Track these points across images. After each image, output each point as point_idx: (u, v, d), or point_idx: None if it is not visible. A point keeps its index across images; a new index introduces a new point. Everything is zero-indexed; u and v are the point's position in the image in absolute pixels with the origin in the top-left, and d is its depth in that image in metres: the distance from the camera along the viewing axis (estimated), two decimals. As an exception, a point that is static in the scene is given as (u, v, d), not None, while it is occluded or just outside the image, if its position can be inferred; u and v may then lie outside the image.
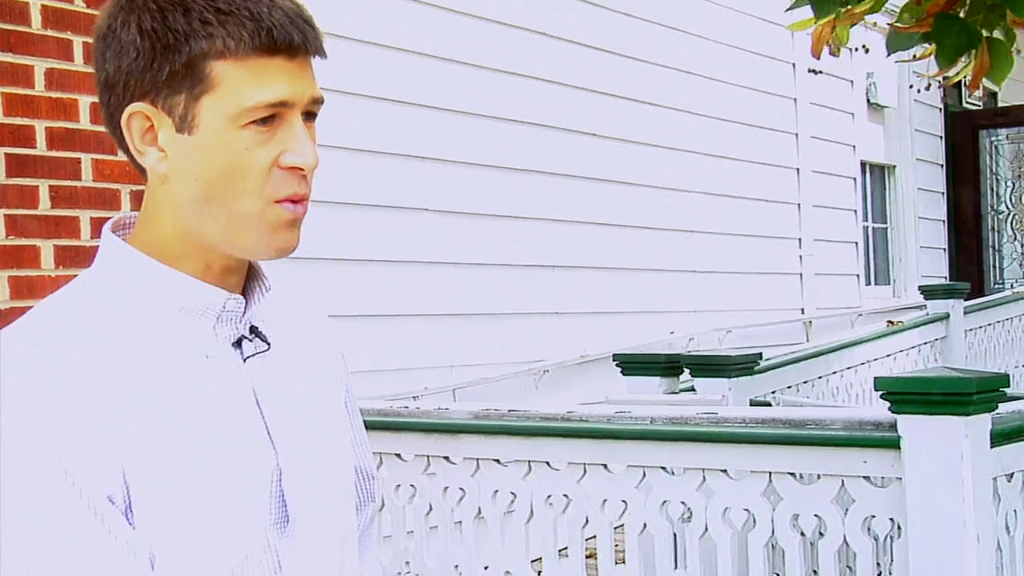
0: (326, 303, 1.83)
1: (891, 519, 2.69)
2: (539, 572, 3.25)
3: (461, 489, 3.31)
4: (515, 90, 5.85)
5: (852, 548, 2.74)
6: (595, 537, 3.15)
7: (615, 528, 3.11)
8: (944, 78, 3.79)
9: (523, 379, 5.87)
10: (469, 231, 5.60)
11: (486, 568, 3.30)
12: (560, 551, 3.20)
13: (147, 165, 1.19)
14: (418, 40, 5.29)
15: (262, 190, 1.16)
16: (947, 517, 2.57)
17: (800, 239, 8.18)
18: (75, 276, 3.47)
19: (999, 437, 2.66)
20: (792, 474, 2.82)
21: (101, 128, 3.59)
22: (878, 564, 2.74)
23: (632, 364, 4.41)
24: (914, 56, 4.02)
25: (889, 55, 3.71)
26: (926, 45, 3.60)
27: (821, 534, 2.80)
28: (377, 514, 1.56)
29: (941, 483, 2.56)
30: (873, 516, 2.71)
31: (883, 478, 2.69)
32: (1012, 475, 2.82)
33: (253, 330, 1.24)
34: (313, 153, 1.18)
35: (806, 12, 3.78)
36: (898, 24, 3.57)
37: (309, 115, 1.20)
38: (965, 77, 3.80)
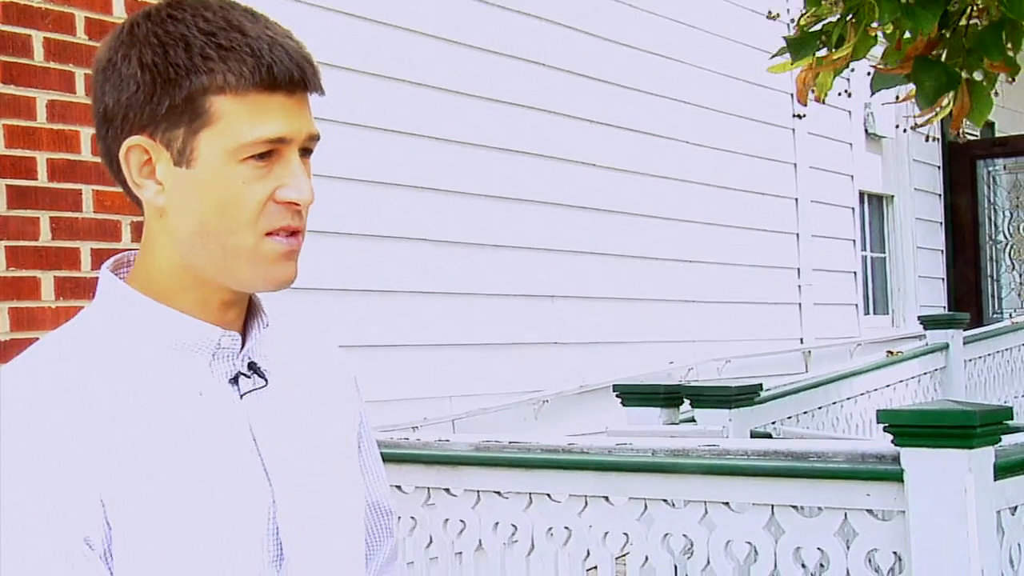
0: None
1: (894, 552, 2.68)
2: (540, 605, 3.23)
3: (462, 521, 3.29)
4: (513, 120, 5.87)
5: (855, 582, 2.73)
6: (596, 569, 3.13)
7: (616, 560, 3.09)
8: (925, 120, 3.82)
9: (522, 409, 5.86)
10: (468, 261, 5.60)
11: (487, 601, 3.29)
12: (561, 584, 3.19)
13: (144, 198, 1.19)
14: (417, 70, 5.30)
15: (256, 223, 1.17)
16: (951, 551, 2.55)
17: (799, 269, 8.19)
18: (75, 307, 3.46)
19: (1002, 470, 2.65)
20: (794, 507, 2.81)
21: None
22: (881, 598, 2.73)
23: (632, 395, 4.40)
24: (897, 97, 4.06)
25: (872, 95, 3.74)
26: (909, 86, 3.62)
27: (823, 566, 2.79)
28: (398, 550, 1.54)
29: (945, 517, 2.55)
30: (876, 549, 2.70)
31: (886, 511, 2.68)
32: (1016, 508, 2.80)
33: (251, 366, 1.24)
34: (309, 189, 1.19)
35: (787, 56, 3.81)
36: (880, 66, 3.59)
37: (305, 151, 1.20)
38: (945, 118, 3.83)
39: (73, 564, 1.09)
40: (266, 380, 1.24)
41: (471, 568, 3.30)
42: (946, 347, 6.70)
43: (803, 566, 2.80)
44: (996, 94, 3.89)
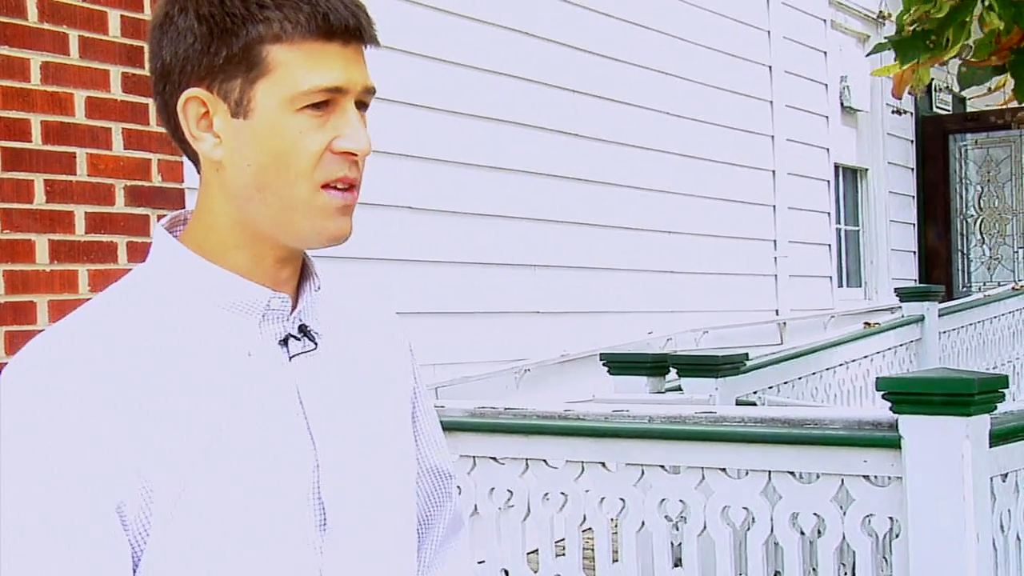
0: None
1: (890, 518, 2.73)
2: (536, 571, 3.26)
3: (457, 487, 3.30)
4: (494, 88, 5.86)
5: (851, 546, 2.77)
6: (592, 533, 3.17)
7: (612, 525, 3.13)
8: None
9: (504, 378, 5.88)
10: (450, 229, 5.61)
11: (481, 563, 3.31)
12: (557, 549, 3.22)
13: (202, 151, 1.18)
14: (401, 38, 5.29)
15: (313, 174, 1.16)
16: (948, 516, 2.60)
17: (775, 241, 8.24)
18: (69, 270, 3.42)
19: (997, 437, 2.71)
20: (791, 473, 2.86)
21: (96, 123, 3.58)
22: (885, 560, 2.78)
23: (619, 364, 4.44)
24: (988, 88, 4.09)
25: (962, 89, 3.77)
26: (997, 78, 3.66)
27: (820, 532, 2.83)
28: (463, 518, 1.52)
29: (942, 483, 2.60)
30: (872, 515, 2.75)
31: (882, 477, 2.73)
32: (1007, 475, 2.86)
33: (302, 329, 1.23)
34: (367, 139, 1.18)
35: (887, 58, 3.84)
36: (971, 59, 3.61)
37: (361, 104, 1.20)
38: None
39: (96, 534, 1.09)
40: (316, 343, 1.23)
41: (466, 533, 3.31)
42: (922, 319, 6.78)
43: (800, 532, 2.84)
44: None
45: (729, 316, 7.63)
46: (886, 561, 2.82)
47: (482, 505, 3.28)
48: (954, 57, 3.57)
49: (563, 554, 3.21)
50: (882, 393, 2.68)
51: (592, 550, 3.19)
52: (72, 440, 1.09)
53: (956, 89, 3.99)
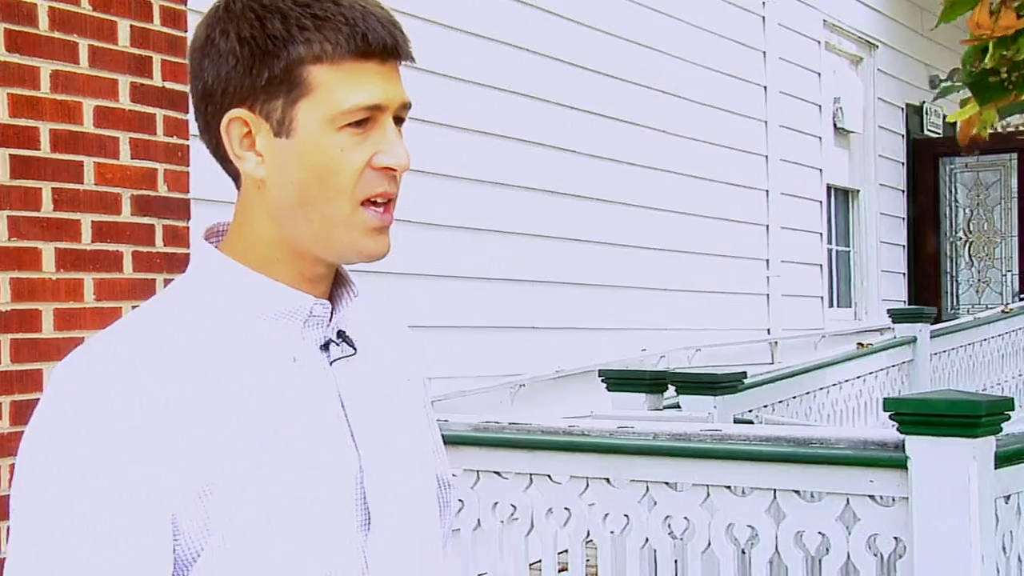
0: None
1: (895, 538, 2.75)
2: (538, 585, 3.27)
3: (460, 500, 3.32)
4: (490, 104, 5.88)
5: (856, 566, 2.79)
6: (595, 549, 3.18)
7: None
8: None
9: (499, 393, 5.89)
10: (446, 244, 5.62)
11: (483, 578, 3.32)
12: (560, 569, 3.23)
13: (245, 170, 1.21)
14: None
15: (354, 191, 1.19)
16: (953, 537, 2.62)
17: (768, 260, 8.28)
18: (75, 279, 3.42)
19: (1001, 459, 2.73)
20: (797, 492, 2.87)
21: (104, 132, 3.59)
22: (881, 582, 2.80)
23: (618, 380, 4.45)
24: None
25: (1002, 119, 3.81)
26: None
27: (825, 551, 2.85)
28: (451, 529, 1.57)
29: (948, 503, 2.62)
30: (877, 534, 2.77)
31: (888, 498, 2.75)
32: (1009, 497, 2.88)
33: (340, 334, 1.26)
34: (405, 154, 1.23)
35: (954, 98, 3.86)
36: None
37: (397, 119, 1.24)
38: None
39: (144, 542, 1.10)
40: (355, 348, 1.27)
41: (469, 546, 3.33)
42: (914, 340, 6.81)
43: (805, 550, 2.86)
44: None
45: (722, 334, 7.66)
46: (891, 581, 2.84)
47: (485, 519, 3.29)
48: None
49: (566, 569, 3.22)
50: (889, 414, 2.70)
51: (595, 566, 3.20)
52: (128, 448, 1.10)
53: (998, 120, 4.02)
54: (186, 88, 3.86)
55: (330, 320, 1.26)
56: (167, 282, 3.77)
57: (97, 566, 1.09)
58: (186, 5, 3.84)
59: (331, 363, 1.24)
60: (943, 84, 4.02)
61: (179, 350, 1.16)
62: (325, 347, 1.25)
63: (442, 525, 1.47)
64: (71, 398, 1.12)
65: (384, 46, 1.19)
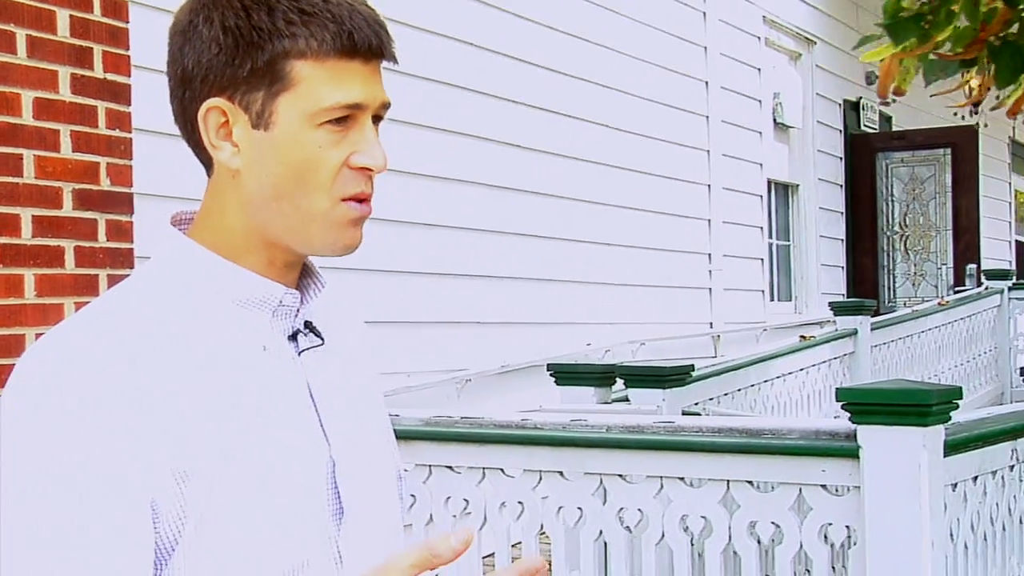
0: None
1: (847, 526, 2.77)
2: (491, 579, 3.25)
3: (412, 495, 3.30)
4: (430, 97, 5.86)
5: (809, 555, 2.81)
6: (550, 543, 3.17)
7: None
8: (975, 106, 3.87)
9: (446, 388, 5.87)
10: (390, 239, 5.58)
11: (436, 575, 3.29)
12: (514, 558, 3.22)
13: (220, 159, 1.19)
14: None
15: (331, 188, 1.18)
16: (905, 524, 2.65)
17: (710, 254, 8.33)
18: (15, 275, 3.33)
19: (950, 447, 2.76)
20: (750, 482, 2.88)
21: (44, 124, 3.52)
22: (833, 569, 2.82)
23: (567, 374, 4.45)
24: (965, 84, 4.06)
25: (927, 84, 3.78)
26: (966, 71, 3.68)
27: (777, 541, 2.86)
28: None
29: (900, 492, 2.65)
30: (830, 524, 2.79)
31: (841, 487, 2.77)
32: (956, 485, 2.92)
33: (307, 325, 1.25)
34: (383, 156, 1.20)
35: (871, 45, 3.81)
36: (939, 52, 3.63)
37: (376, 118, 1.22)
38: (1005, 103, 3.88)
39: (129, 530, 1.08)
40: (322, 339, 1.26)
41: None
42: (855, 333, 6.89)
43: (758, 540, 2.87)
44: None
45: (665, 328, 7.70)
46: (845, 569, 2.86)
47: (438, 514, 3.27)
48: (944, 42, 3.57)
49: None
50: (841, 403, 2.72)
51: (550, 558, 3.19)
52: (109, 433, 1.08)
53: (923, 85, 3.98)
54: (129, 80, 3.79)
55: (298, 310, 1.24)
56: (111, 277, 3.71)
57: (86, 559, 1.06)
58: (127, -5, 3.78)
59: (299, 353, 1.23)
60: (864, 36, 3.99)
61: (152, 338, 1.14)
62: (293, 337, 1.23)
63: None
64: (45, 390, 1.09)
65: (369, 46, 1.18)
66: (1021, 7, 3.43)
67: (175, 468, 1.09)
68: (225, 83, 1.16)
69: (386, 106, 1.22)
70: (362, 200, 1.20)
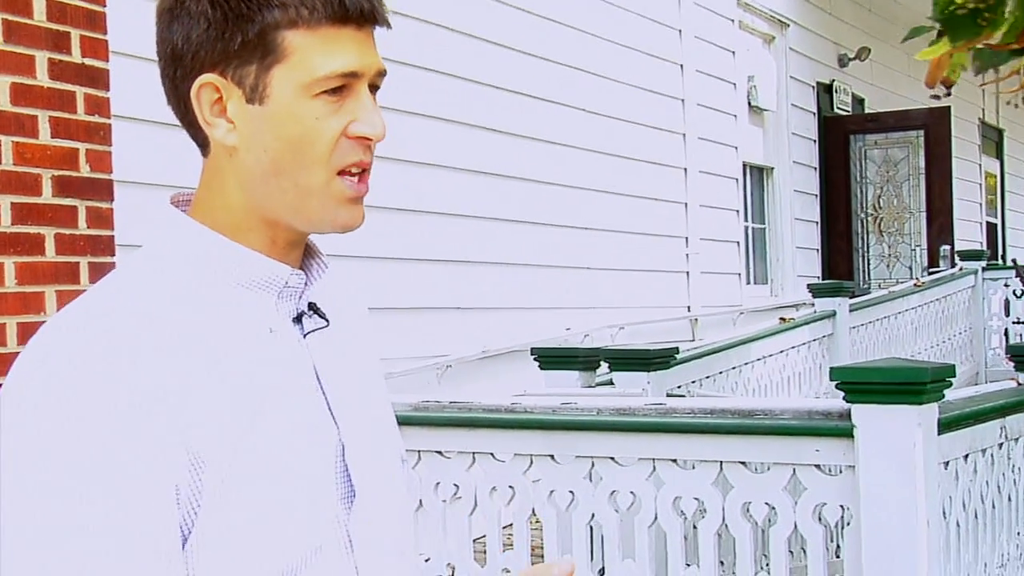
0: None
1: (841, 506, 2.76)
2: (483, 566, 3.23)
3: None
4: (409, 82, 5.82)
5: (803, 535, 2.80)
6: (541, 527, 3.16)
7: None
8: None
9: (426, 374, 5.84)
10: (371, 224, 5.52)
11: (427, 560, 3.28)
12: (505, 542, 3.20)
13: (215, 137, 1.17)
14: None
15: (329, 160, 1.16)
16: (900, 503, 2.65)
17: (687, 238, 8.33)
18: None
19: (943, 426, 2.76)
20: (743, 463, 2.88)
21: (22, 110, 3.46)
22: (827, 550, 2.81)
23: (551, 358, 4.43)
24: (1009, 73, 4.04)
25: (977, 74, 3.75)
26: (1013, 61, 3.67)
27: (771, 522, 2.85)
28: None
29: (895, 470, 2.64)
30: (824, 504, 2.78)
31: (835, 466, 2.76)
32: (948, 463, 2.92)
33: (311, 306, 1.23)
34: (381, 123, 1.18)
35: (925, 38, 3.77)
36: (990, 42, 3.60)
37: (373, 87, 1.20)
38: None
39: (156, 513, 1.05)
40: (327, 321, 1.23)
41: (411, 528, 3.28)
42: (833, 315, 6.91)
43: (752, 521, 2.86)
44: None
45: (644, 312, 7.69)
46: (839, 548, 2.86)
47: (428, 499, 3.25)
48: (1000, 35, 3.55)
49: (511, 546, 3.19)
50: (836, 383, 2.71)
51: (541, 542, 3.18)
52: (128, 417, 1.05)
53: (973, 74, 3.94)
54: (107, 65, 3.74)
55: (303, 292, 1.22)
56: (91, 265, 3.66)
57: (110, 552, 1.03)
58: (104, -21, 3.72)
59: (304, 335, 1.20)
60: (914, 27, 3.95)
61: (155, 326, 1.11)
62: (298, 319, 1.21)
63: None
64: (49, 393, 1.05)
65: (361, 11, 1.16)
66: None
67: (190, 455, 1.07)
68: (216, 58, 1.14)
69: (382, 74, 1.20)
70: (361, 172, 1.18)
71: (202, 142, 1.19)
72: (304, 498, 1.14)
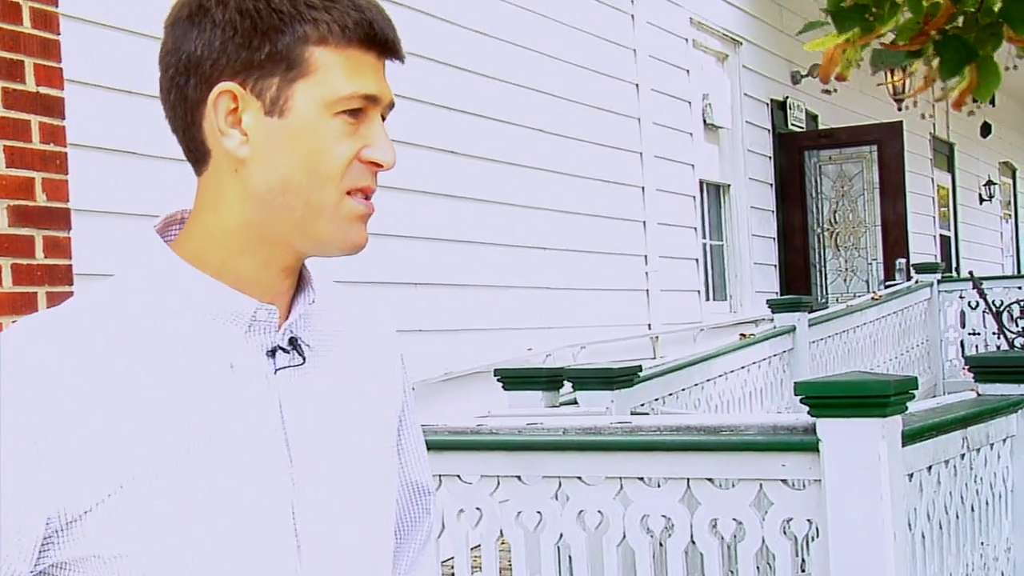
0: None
1: (808, 520, 2.77)
2: (451, 588, 3.22)
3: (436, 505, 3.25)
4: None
5: (771, 549, 2.81)
6: (509, 549, 3.15)
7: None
8: (956, 98, 3.85)
9: (389, 397, 5.81)
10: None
11: (395, 586, 3.25)
12: (474, 564, 3.19)
13: (227, 148, 1.14)
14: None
15: (341, 180, 1.15)
16: (866, 515, 2.66)
17: (646, 256, 8.37)
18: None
19: (907, 437, 2.78)
20: (710, 480, 2.88)
21: (12, 114, 3.42)
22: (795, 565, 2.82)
23: (514, 379, 4.42)
24: (904, 71, 4.10)
25: (873, 73, 3.79)
26: (913, 61, 3.71)
27: (739, 538, 2.86)
28: (434, 534, 1.50)
29: (860, 483, 2.66)
30: (791, 518, 2.79)
31: (801, 481, 2.77)
32: (912, 475, 2.94)
33: (292, 341, 1.19)
34: (393, 153, 1.18)
35: (818, 32, 3.79)
36: (885, 42, 3.65)
37: (382, 118, 1.20)
38: (949, 95, 3.90)
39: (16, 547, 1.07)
40: (304, 357, 1.19)
41: (435, 549, 3.26)
42: (793, 330, 6.95)
43: (720, 537, 2.87)
44: (1007, 69, 3.94)
45: (605, 331, 7.71)
46: (803, 563, 2.87)
47: (394, 524, 3.23)
48: (888, 33, 3.59)
49: (479, 568, 3.18)
50: (800, 397, 2.73)
51: (510, 563, 3.17)
52: (7, 440, 1.06)
53: (871, 74, 3.99)
54: (62, 94, 3.71)
55: (283, 325, 1.19)
56: (49, 295, 3.62)
57: None
58: (57, 7, 3.69)
59: (276, 371, 1.17)
60: (808, 22, 4.00)
61: (107, 343, 1.10)
62: (272, 354, 1.18)
63: (412, 533, 1.42)
64: None
65: (386, 39, 1.17)
66: (963, 2, 3.48)
67: (109, 480, 1.07)
68: (238, 67, 1.13)
69: (391, 106, 1.20)
70: (367, 195, 1.18)
71: (201, 157, 1.17)
72: (238, 539, 1.12)
